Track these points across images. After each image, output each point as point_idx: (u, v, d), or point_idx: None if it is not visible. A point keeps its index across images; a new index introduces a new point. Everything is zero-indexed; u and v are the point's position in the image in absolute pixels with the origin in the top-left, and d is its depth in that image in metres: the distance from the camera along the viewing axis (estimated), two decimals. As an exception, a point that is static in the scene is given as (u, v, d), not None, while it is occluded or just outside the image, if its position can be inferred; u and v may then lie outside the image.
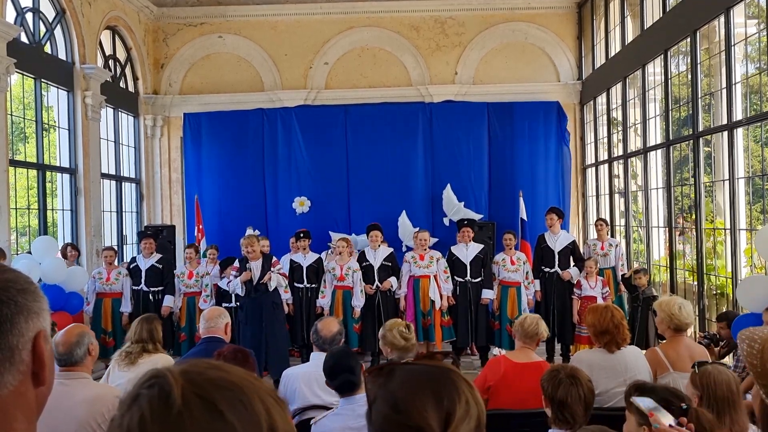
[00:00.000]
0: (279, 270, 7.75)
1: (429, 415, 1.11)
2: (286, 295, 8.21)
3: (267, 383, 0.86)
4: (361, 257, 8.57)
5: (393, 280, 8.40)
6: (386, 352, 4.21)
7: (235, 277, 7.67)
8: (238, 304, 8.29)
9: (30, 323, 0.98)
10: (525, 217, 10.27)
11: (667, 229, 8.71)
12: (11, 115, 8.22)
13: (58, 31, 9.26)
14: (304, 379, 4.09)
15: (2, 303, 0.95)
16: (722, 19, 6.99)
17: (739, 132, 6.95)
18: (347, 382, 3.35)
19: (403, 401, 1.14)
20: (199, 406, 0.77)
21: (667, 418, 1.91)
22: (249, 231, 9.25)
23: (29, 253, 7.85)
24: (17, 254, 8.11)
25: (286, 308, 8.25)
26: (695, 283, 7.84)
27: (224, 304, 7.57)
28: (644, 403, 2.25)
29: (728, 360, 5.75)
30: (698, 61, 7.66)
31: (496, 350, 8.45)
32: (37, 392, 1.01)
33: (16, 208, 8.35)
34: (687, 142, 8.11)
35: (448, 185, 11.04)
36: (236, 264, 7.89)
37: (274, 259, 7.94)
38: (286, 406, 0.86)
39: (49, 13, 9.09)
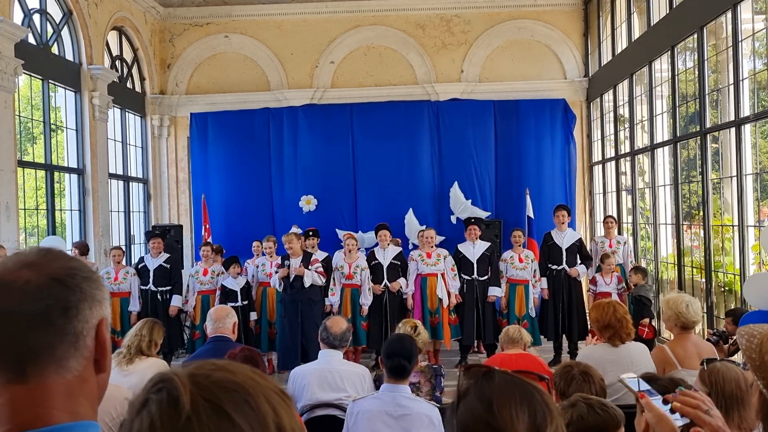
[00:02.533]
0: (317, 268, 7.96)
1: (519, 425, 1.15)
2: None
3: (273, 381, 0.87)
4: (371, 256, 8.58)
5: (402, 281, 8.40)
6: None
7: (276, 272, 7.97)
8: (245, 303, 8.33)
9: (93, 310, 1.03)
10: (531, 215, 10.27)
11: (675, 225, 8.67)
12: (19, 116, 8.27)
13: (65, 32, 9.30)
14: (314, 377, 4.13)
15: (68, 289, 1.00)
16: (729, 14, 6.96)
17: (747, 128, 6.92)
18: (400, 366, 3.50)
19: (498, 404, 1.17)
20: (207, 410, 0.78)
21: (658, 401, 1.80)
22: (294, 229, 9.33)
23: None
24: (26, 254, 8.15)
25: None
26: (703, 279, 7.81)
27: (230, 304, 7.60)
28: (633, 383, 1.93)
29: (737, 358, 5.72)
30: (705, 58, 7.63)
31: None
32: (99, 379, 1.05)
33: (24, 209, 8.39)
34: (694, 139, 8.08)
35: (456, 183, 11.06)
36: (279, 260, 8.21)
37: (314, 257, 8.12)
38: (292, 402, 0.87)
39: (56, 14, 9.13)
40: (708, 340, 5.54)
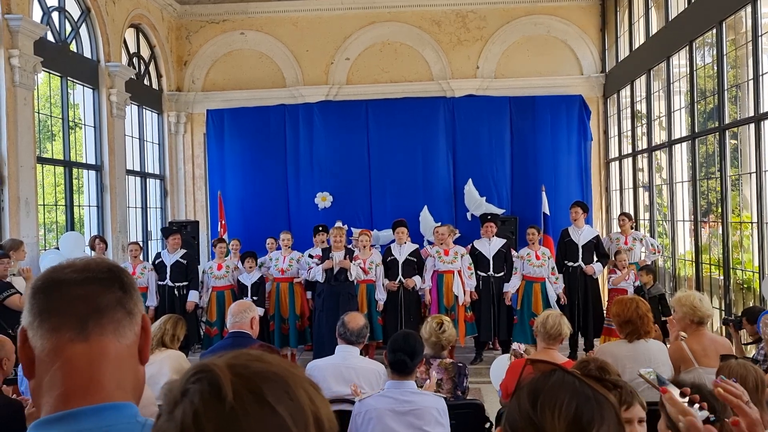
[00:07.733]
0: (359, 264, 8.10)
1: (559, 424, 1.09)
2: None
3: (304, 372, 0.87)
4: (387, 252, 8.60)
5: (417, 279, 8.41)
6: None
7: (317, 264, 8.06)
8: (254, 298, 8.36)
9: (139, 303, 1.20)
10: (547, 212, 10.22)
11: (692, 222, 8.60)
12: (38, 113, 8.35)
13: (83, 30, 9.38)
14: (330, 371, 4.14)
15: (123, 273, 1.19)
16: (749, 9, 6.88)
17: (767, 124, 6.84)
18: (401, 361, 3.50)
19: (543, 401, 1.12)
20: (250, 400, 0.78)
21: (676, 392, 1.80)
22: (338, 224, 9.46)
23: (57, 248, 7.98)
24: (45, 249, 8.25)
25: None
26: (721, 277, 7.74)
27: (245, 299, 7.63)
28: (652, 376, 2.00)
29: (752, 350, 5.67)
30: (724, 53, 7.54)
31: (516, 345, 8.41)
32: (140, 369, 1.18)
33: (44, 205, 8.48)
34: (713, 135, 8.00)
35: (470, 180, 11.03)
36: (319, 252, 8.30)
37: (356, 253, 8.25)
38: (322, 392, 0.87)
39: (75, 11, 9.21)
40: (724, 320, 5.56)
